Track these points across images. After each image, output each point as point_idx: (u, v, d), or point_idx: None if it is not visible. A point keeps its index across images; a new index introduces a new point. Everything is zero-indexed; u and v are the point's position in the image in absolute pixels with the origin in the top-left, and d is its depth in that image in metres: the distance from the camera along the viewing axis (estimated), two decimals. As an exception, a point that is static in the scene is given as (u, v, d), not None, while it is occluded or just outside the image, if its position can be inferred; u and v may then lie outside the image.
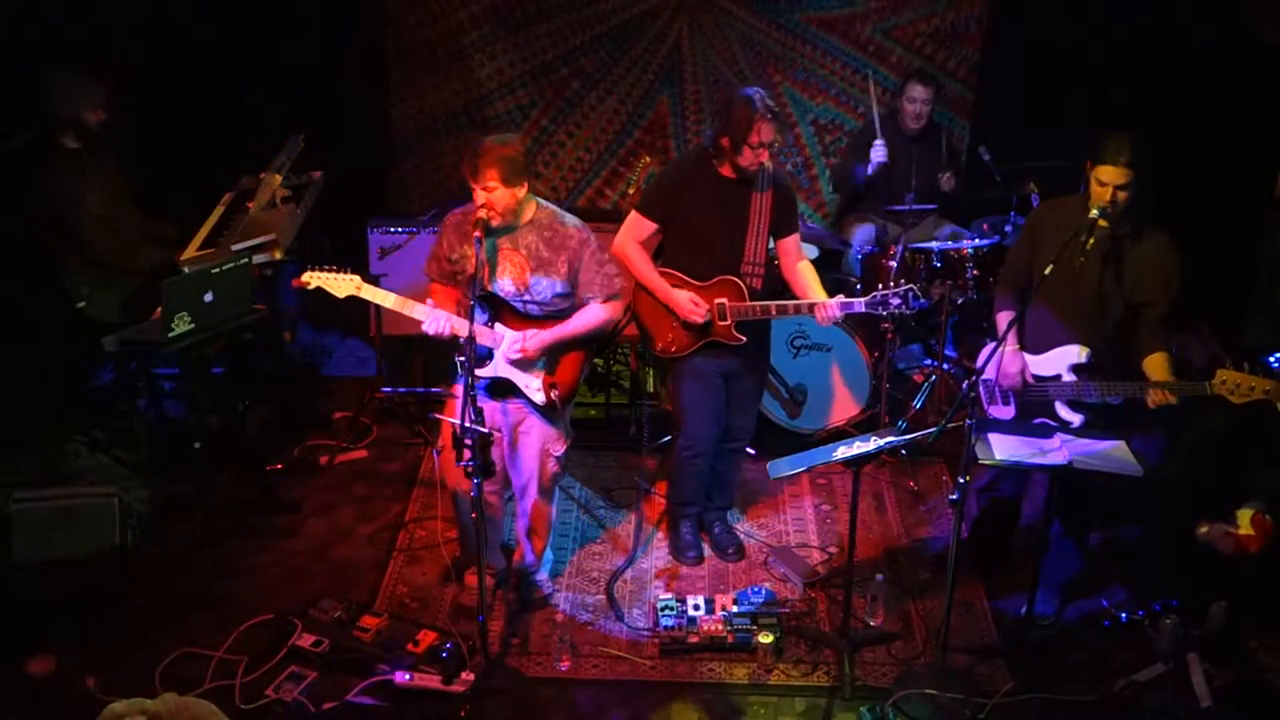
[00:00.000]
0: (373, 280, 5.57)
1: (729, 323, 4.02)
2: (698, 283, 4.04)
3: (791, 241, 4.15)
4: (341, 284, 3.78)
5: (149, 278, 4.63)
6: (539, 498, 4.03)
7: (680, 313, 4.02)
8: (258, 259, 4.71)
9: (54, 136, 4.64)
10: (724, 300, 4.01)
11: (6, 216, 4.70)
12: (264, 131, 5.36)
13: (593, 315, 3.81)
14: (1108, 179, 3.59)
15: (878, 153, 5.37)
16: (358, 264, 5.63)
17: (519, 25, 6.17)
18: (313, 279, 3.77)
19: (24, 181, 4.61)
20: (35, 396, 5.01)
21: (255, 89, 5.81)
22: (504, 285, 3.73)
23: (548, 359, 3.82)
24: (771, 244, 4.13)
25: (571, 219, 3.80)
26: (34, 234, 4.67)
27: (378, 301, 3.80)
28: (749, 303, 4.01)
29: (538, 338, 3.76)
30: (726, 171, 3.96)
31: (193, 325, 4.34)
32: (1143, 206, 3.68)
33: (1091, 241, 3.70)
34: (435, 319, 3.67)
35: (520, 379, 3.81)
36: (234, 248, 4.68)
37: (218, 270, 4.43)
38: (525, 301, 3.78)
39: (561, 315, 3.81)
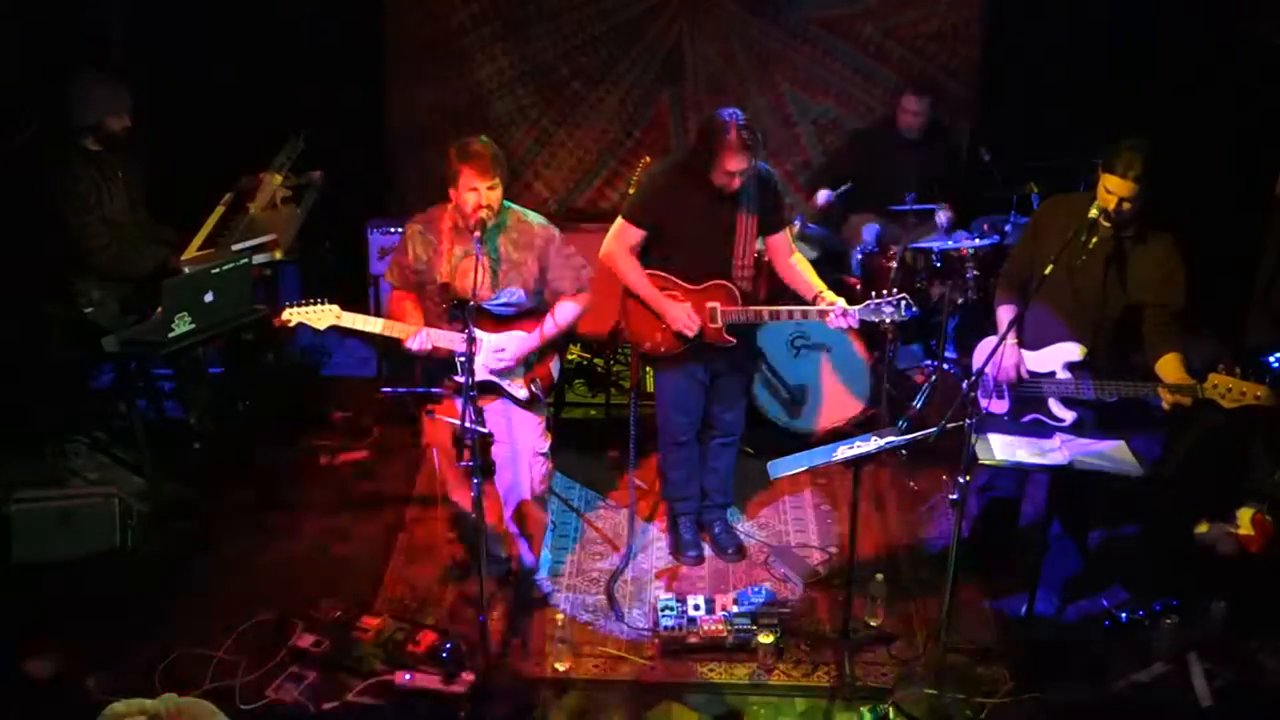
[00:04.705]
0: (371, 282, 5.65)
1: (720, 326, 4.02)
2: (688, 285, 4.03)
3: (781, 238, 4.12)
4: (322, 315, 3.75)
5: (147, 280, 4.62)
6: (531, 501, 4.04)
7: (674, 326, 4.00)
8: (258, 259, 4.71)
9: (74, 138, 4.52)
10: (716, 304, 4.01)
11: (10, 215, 4.69)
12: (264, 131, 5.36)
13: (568, 312, 3.87)
14: (1114, 189, 3.59)
15: (821, 197, 5.49)
16: (358, 264, 5.73)
17: (519, 25, 6.16)
18: (293, 316, 3.74)
19: (33, 182, 4.54)
20: (36, 397, 5.01)
21: (255, 89, 5.81)
22: (479, 290, 3.74)
23: (526, 359, 3.87)
24: (760, 243, 4.12)
25: (534, 216, 3.84)
26: (36, 237, 4.65)
27: (358, 327, 3.77)
28: (741, 307, 4.01)
29: (520, 343, 3.80)
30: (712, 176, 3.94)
31: (193, 325, 4.34)
32: (1147, 210, 3.68)
33: (1095, 241, 3.70)
34: (418, 336, 3.69)
35: (503, 380, 3.86)
36: (234, 248, 4.68)
37: (218, 270, 4.43)
38: (501, 304, 3.80)
39: (532, 312, 3.85)
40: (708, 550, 4.47)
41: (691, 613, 3.97)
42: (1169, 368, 3.67)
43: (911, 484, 4.89)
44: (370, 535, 4.54)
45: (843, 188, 5.41)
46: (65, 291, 4.60)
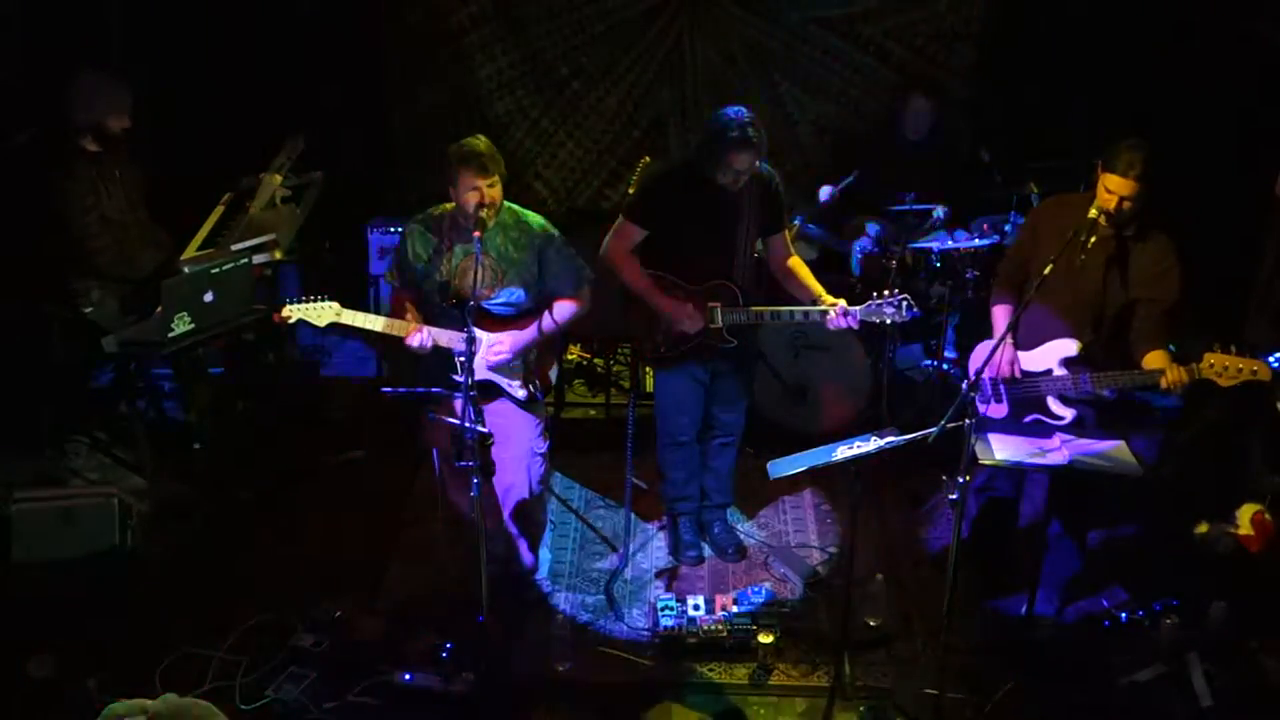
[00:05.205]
0: (371, 282, 5.65)
1: (721, 326, 4.02)
2: (689, 285, 4.03)
3: (779, 239, 4.11)
4: (322, 312, 3.75)
5: (147, 280, 4.62)
6: (531, 502, 4.04)
7: (676, 324, 3.99)
8: (258, 259, 4.71)
9: (73, 138, 4.53)
10: (717, 305, 4.00)
11: (11, 215, 4.69)
12: (264, 131, 5.36)
13: (567, 310, 3.86)
14: (1115, 189, 3.59)
15: (824, 193, 5.44)
16: (358, 264, 5.72)
17: (519, 25, 6.16)
18: (293, 312, 3.75)
19: (34, 182, 4.54)
20: (36, 396, 5.01)
21: (255, 89, 5.81)
22: (479, 290, 3.74)
23: (525, 355, 3.87)
24: (760, 243, 4.11)
25: (534, 216, 3.85)
26: (36, 237, 4.65)
27: (358, 324, 3.77)
28: (742, 308, 4.01)
29: (518, 337, 3.80)
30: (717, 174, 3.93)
31: (193, 325, 4.35)
32: (1146, 209, 3.68)
33: (1094, 240, 3.70)
34: (418, 334, 3.70)
35: (502, 380, 3.86)
36: (234, 248, 4.68)
37: (218, 270, 4.43)
38: (501, 304, 3.80)
39: (532, 312, 3.85)
40: (707, 550, 4.47)
41: (691, 613, 3.98)
42: (1155, 363, 3.68)
43: (911, 484, 4.88)
44: (370, 535, 4.54)
45: (845, 180, 5.38)
46: (65, 291, 4.60)
